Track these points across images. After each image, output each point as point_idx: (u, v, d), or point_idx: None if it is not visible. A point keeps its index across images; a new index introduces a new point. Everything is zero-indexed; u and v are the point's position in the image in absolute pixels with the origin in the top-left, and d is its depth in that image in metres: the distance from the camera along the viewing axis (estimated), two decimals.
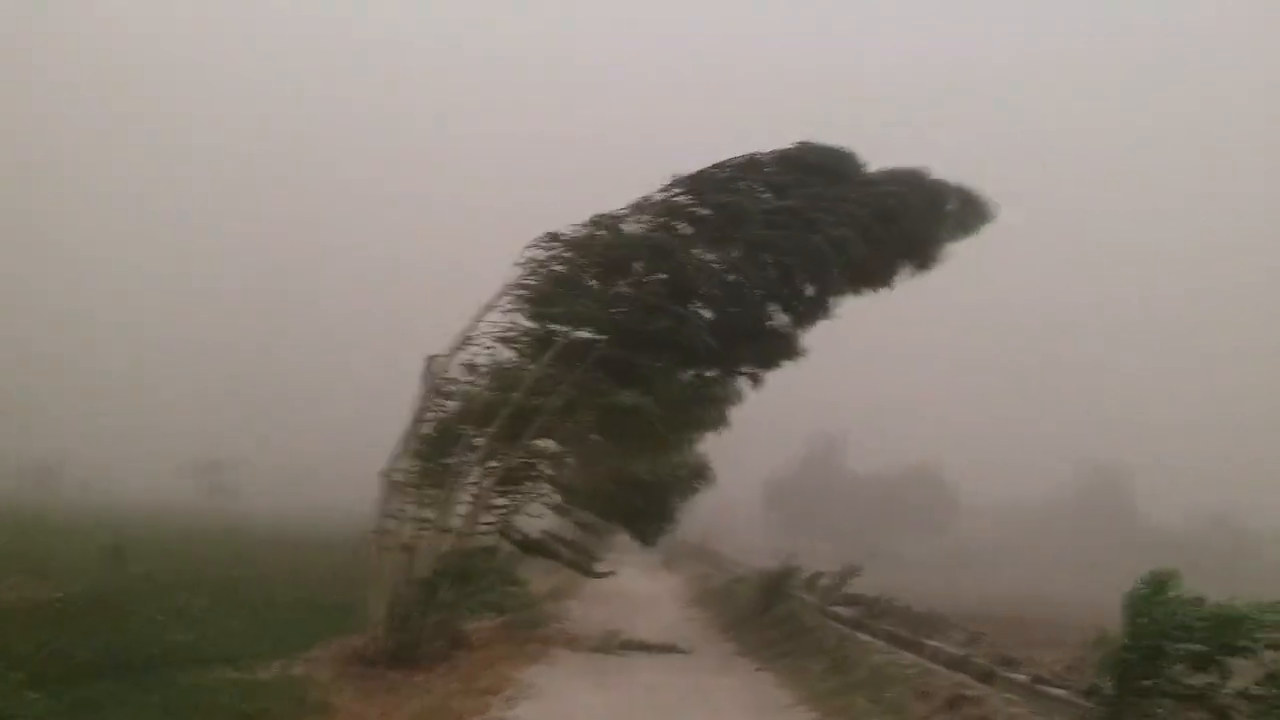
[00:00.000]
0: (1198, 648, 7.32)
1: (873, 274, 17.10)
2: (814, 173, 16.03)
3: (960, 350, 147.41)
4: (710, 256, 16.07)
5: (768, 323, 16.79)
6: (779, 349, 17.04)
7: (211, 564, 23.00)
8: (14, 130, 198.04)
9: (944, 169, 17.38)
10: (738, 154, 16.28)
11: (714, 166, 16.08)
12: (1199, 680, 7.36)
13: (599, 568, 20.81)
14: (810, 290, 16.54)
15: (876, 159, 16.99)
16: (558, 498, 17.58)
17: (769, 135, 17.16)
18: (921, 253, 17.25)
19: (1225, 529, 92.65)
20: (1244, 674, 7.04)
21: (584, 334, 15.67)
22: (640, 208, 16.05)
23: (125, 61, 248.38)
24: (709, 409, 17.69)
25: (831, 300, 16.92)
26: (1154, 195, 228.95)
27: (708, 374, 16.93)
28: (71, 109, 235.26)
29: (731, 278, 16.05)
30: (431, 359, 15.60)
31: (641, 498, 19.31)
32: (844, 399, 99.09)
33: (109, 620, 13.49)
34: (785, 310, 16.72)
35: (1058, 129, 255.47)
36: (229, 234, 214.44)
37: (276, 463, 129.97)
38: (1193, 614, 7.52)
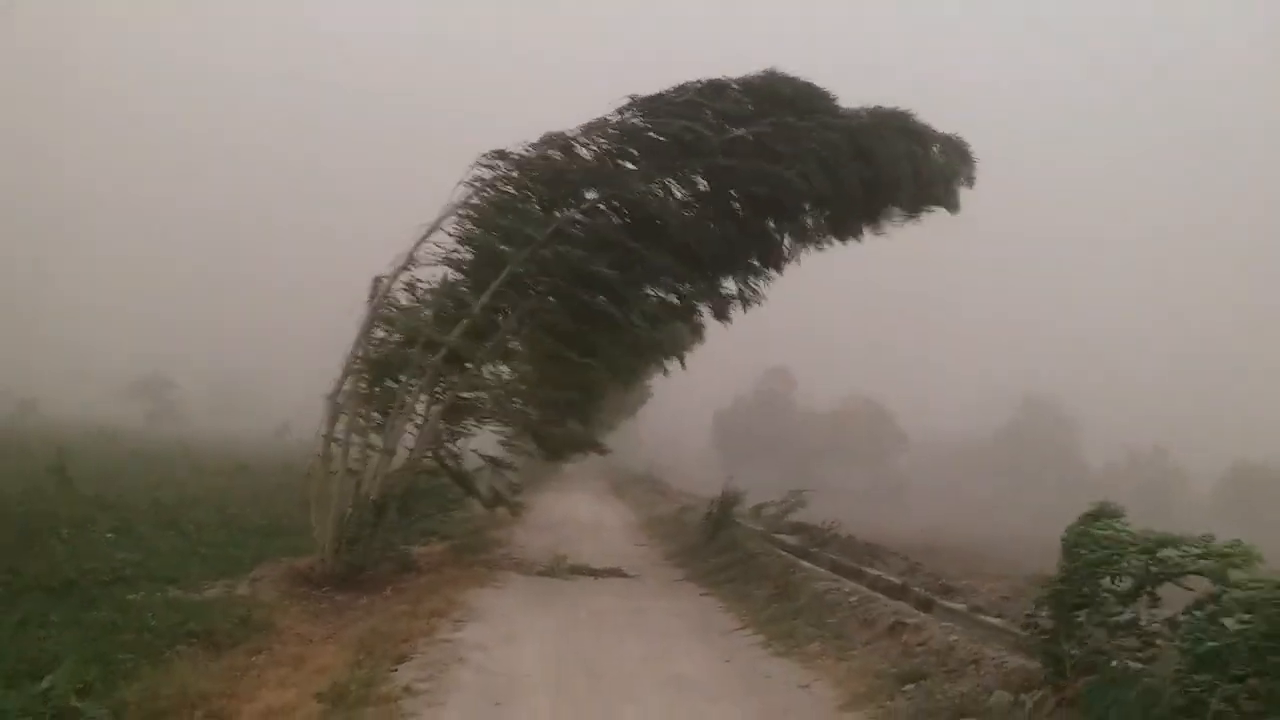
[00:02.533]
0: (1128, 582, 7.51)
1: (854, 218, 16.22)
2: (782, 104, 14.95)
3: (909, 286, 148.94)
4: (668, 187, 15.45)
5: (731, 262, 16.15)
6: (740, 289, 16.56)
7: (158, 484, 22.74)
8: None
9: None
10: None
11: (674, 90, 15.20)
12: (1129, 609, 7.55)
13: (518, 499, 20.29)
14: (777, 228, 16.00)
15: None
16: (498, 425, 17.33)
17: None
18: (905, 196, 16.09)
19: (1161, 466, 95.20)
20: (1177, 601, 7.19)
21: (531, 264, 15.01)
22: (593, 129, 15.37)
23: None
24: (657, 354, 17.52)
25: (804, 242, 16.35)
26: (1107, 137, 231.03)
27: (658, 319, 16.28)
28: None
29: (690, 213, 15.42)
30: (378, 280, 15.33)
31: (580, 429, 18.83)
32: (793, 333, 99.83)
33: (55, 537, 13.34)
34: (750, 249, 16.11)
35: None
36: (186, 151, 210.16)
37: (224, 383, 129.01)
38: (1125, 547, 7.69)
